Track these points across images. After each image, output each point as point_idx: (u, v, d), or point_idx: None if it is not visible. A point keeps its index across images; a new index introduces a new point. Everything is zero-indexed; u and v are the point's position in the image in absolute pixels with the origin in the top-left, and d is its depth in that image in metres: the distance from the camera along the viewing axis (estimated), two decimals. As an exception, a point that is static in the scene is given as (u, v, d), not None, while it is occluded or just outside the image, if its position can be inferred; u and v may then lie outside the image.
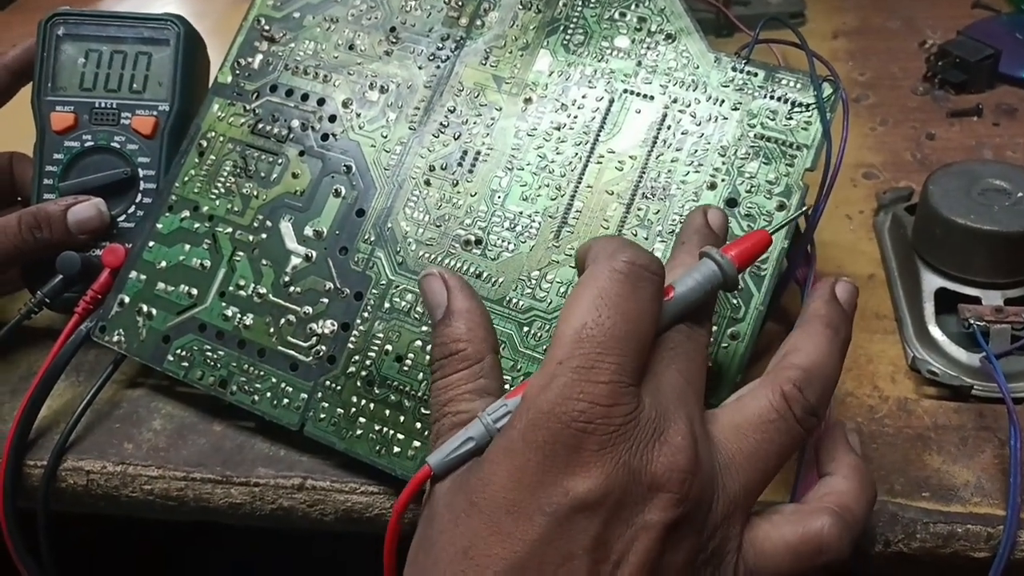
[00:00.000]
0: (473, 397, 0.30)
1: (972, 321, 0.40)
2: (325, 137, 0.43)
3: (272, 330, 0.41)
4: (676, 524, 0.26)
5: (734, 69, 0.40)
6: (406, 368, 0.39)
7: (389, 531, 0.29)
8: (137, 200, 0.46)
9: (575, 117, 0.40)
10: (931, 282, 0.42)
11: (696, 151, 0.39)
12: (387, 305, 0.40)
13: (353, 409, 0.39)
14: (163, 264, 0.43)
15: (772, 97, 0.39)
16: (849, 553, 0.29)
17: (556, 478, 0.26)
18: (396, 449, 0.38)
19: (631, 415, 0.27)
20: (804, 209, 0.36)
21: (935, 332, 0.41)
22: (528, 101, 0.41)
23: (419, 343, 0.39)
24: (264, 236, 0.42)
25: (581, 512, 0.26)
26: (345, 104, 0.43)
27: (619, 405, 0.26)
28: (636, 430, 0.27)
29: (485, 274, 0.39)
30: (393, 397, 0.38)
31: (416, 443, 0.38)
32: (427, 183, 0.41)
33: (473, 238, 0.40)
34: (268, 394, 0.40)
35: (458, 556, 0.26)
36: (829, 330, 0.31)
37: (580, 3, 0.42)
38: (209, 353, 0.41)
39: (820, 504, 0.30)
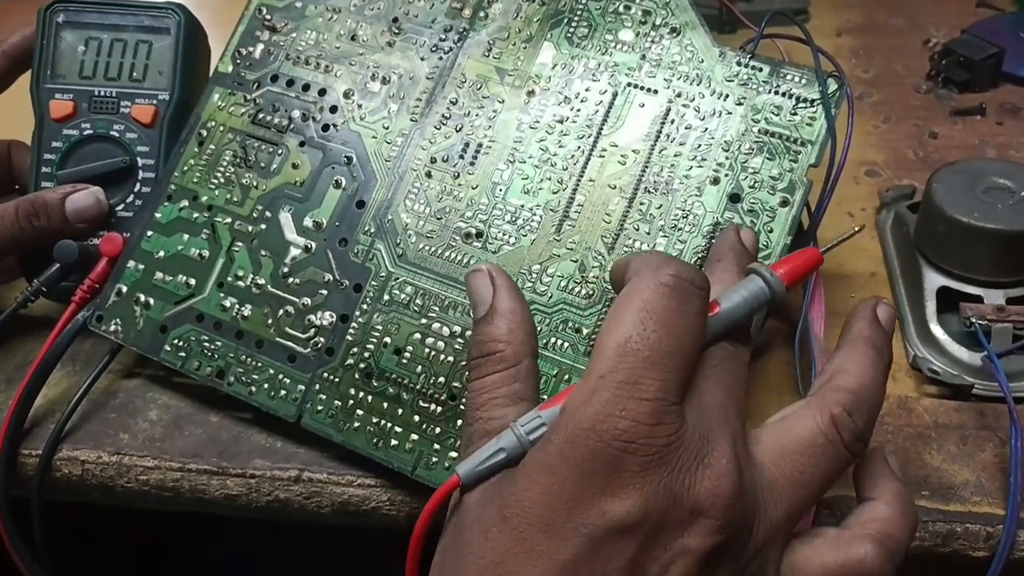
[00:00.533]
0: (507, 403, 0.29)
1: (974, 320, 0.40)
2: (326, 128, 0.43)
3: (270, 321, 0.41)
4: (716, 550, 0.26)
5: (739, 64, 0.39)
6: (405, 361, 0.38)
7: (413, 541, 0.28)
8: (136, 189, 0.46)
9: (578, 110, 0.40)
10: (933, 280, 0.42)
11: (699, 146, 0.39)
12: (386, 297, 0.39)
13: (351, 401, 0.38)
14: (161, 254, 0.43)
15: (777, 92, 0.39)
16: None
17: (593, 498, 0.25)
18: (394, 442, 0.38)
19: (675, 435, 0.26)
20: (858, 229, 0.35)
21: (936, 331, 0.41)
22: (531, 94, 0.41)
23: (418, 336, 0.39)
24: (263, 227, 0.42)
25: (617, 534, 0.25)
26: (346, 95, 0.43)
27: (662, 424, 0.26)
28: (679, 451, 0.26)
29: (485, 267, 0.39)
30: (391, 390, 0.38)
31: (414, 436, 0.37)
32: (428, 175, 0.41)
33: (474, 231, 0.40)
34: (265, 385, 0.40)
35: (487, 571, 0.26)
36: (874, 352, 0.30)
37: (584, -4, 0.42)
38: (206, 343, 0.41)
39: (863, 530, 0.29)
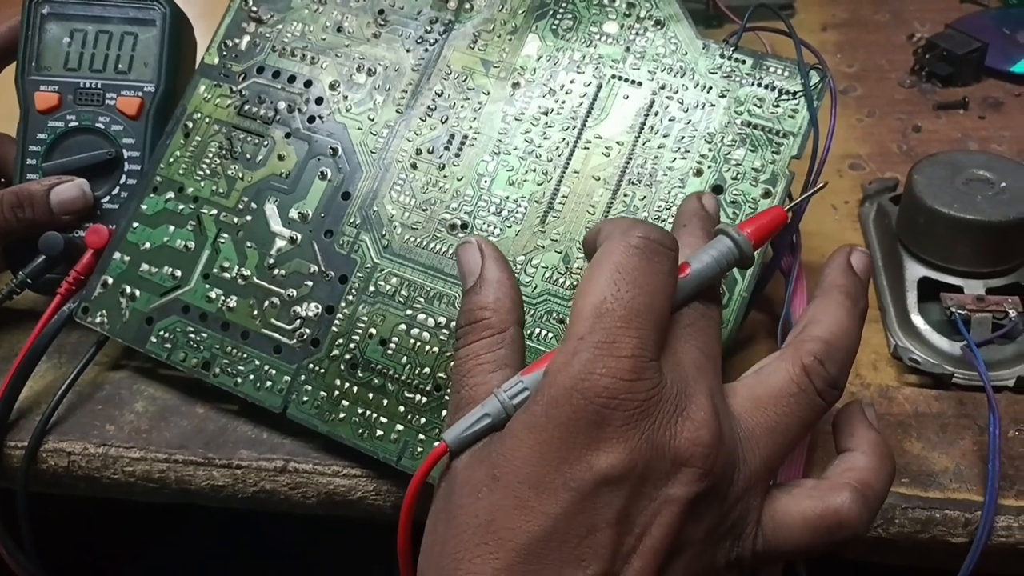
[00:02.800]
0: (492, 368, 0.30)
1: (954, 310, 0.40)
2: (311, 119, 0.43)
3: (256, 312, 0.41)
4: (699, 498, 0.27)
5: (722, 56, 0.40)
6: (390, 352, 0.39)
7: (404, 508, 0.29)
8: (121, 181, 0.46)
9: (563, 102, 0.40)
10: (914, 271, 0.42)
11: (683, 138, 0.39)
12: (372, 288, 0.40)
13: (336, 392, 0.39)
14: (147, 245, 0.43)
15: (759, 85, 0.39)
16: (867, 530, 0.29)
17: (580, 453, 0.26)
18: (379, 432, 0.38)
19: (654, 390, 0.27)
20: (821, 186, 0.35)
21: (917, 321, 0.41)
22: (516, 85, 0.41)
23: (403, 327, 0.39)
24: (249, 218, 0.42)
25: (605, 486, 0.26)
26: (332, 86, 0.43)
27: (642, 380, 0.26)
28: (659, 405, 0.27)
29: (470, 258, 0.39)
30: (377, 381, 0.38)
31: (399, 426, 0.38)
32: (413, 167, 0.41)
33: (459, 222, 0.40)
34: (251, 376, 0.40)
35: (480, 528, 0.26)
36: (848, 300, 0.31)
37: (569, -12, 0.42)
38: (192, 335, 0.41)
39: (841, 479, 0.30)
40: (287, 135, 0.43)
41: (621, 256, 0.28)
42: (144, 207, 0.44)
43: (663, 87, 0.40)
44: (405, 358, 0.38)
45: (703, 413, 0.27)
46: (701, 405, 0.27)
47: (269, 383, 0.40)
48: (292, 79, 0.44)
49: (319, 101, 0.43)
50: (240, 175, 0.43)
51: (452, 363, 0.31)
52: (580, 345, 0.27)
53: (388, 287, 0.39)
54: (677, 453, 0.27)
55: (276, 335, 0.40)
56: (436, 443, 0.28)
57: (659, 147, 0.39)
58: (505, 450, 0.27)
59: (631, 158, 0.39)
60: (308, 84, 0.43)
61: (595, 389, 0.26)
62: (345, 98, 0.43)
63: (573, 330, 0.27)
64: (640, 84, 0.40)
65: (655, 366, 0.27)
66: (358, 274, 0.40)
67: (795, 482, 0.30)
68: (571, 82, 0.41)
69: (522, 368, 0.30)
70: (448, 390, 0.37)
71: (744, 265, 0.31)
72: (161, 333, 0.42)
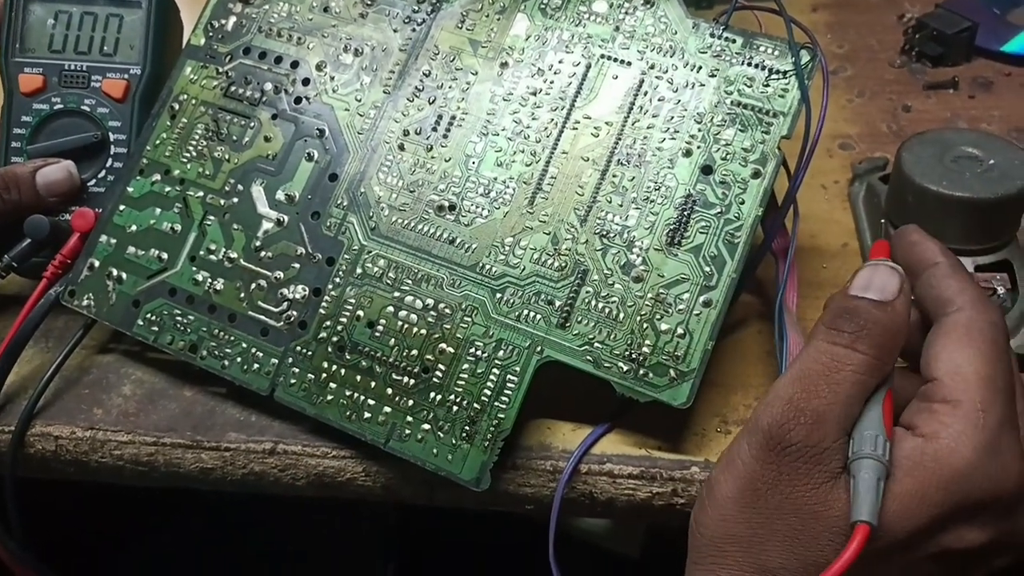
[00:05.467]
0: (861, 396, 0.30)
1: (943, 289, 0.40)
2: (298, 100, 0.43)
3: (243, 295, 0.40)
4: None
5: (712, 35, 0.39)
6: (378, 334, 0.38)
7: None
8: (107, 164, 0.46)
9: (551, 82, 0.40)
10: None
11: (672, 118, 0.39)
12: (359, 271, 0.39)
13: (324, 375, 0.38)
14: (133, 228, 0.43)
15: (750, 64, 0.39)
16: None
17: (952, 526, 0.29)
18: (367, 415, 0.38)
19: None
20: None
21: (907, 300, 0.41)
22: (504, 65, 0.41)
23: (391, 309, 0.39)
24: (235, 200, 0.42)
25: (954, 555, 0.29)
26: (319, 67, 0.43)
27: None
28: None
29: (458, 240, 0.39)
30: (364, 363, 0.38)
31: (387, 408, 0.37)
32: (401, 148, 0.41)
33: (447, 204, 0.40)
34: (238, 359, 0.40)
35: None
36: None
37: (557, -33, 0.42)
38: (179, 318, 0.41)
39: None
40: (273, 116, 0.43)
41: (995, 334, 0.30)
42: (130, 190, 0.43)
43: (652, 67, 0.39)
44: (393, 340, 0.38)
45: None
46: None
47: (256, 366, 0.39)
48: (279, 60, 0.43)
49: (306, 82, 0.43)
50: (227, 157, 0.43)
51: (811, 353, 0.31)
52: (983, 417, 0.28)
53: (376, 269, 0.39)
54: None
55: (263, 318, 0.40)
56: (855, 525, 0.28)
57: (648, 127, 0.39)
58: (885, 511, 0.28)
59: (620, 138, 0.39)
60: (295, 65, 0.43)
61: (999, 471, 0.28)
62: (332, 79, 0.42)
63: (965, 397, 0.29)
64: (629, 64, 0.40)
65: None
66: (345, 256, 0.40)
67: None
68: (560, 62, 0.40)
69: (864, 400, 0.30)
70: (436, 372, 0.37)
71: None
72: (148, 316, 0.41)
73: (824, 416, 0.29)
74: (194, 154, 0.43)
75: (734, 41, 0.39)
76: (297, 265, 0.40)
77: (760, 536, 0.29)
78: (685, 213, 0.37)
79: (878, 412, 0.30)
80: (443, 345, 0.38)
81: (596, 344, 0.37)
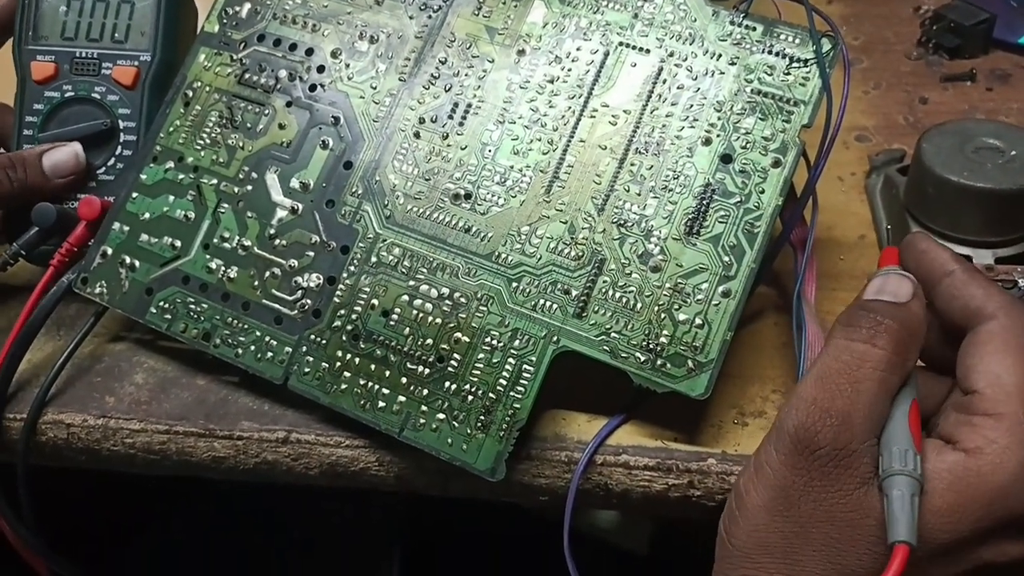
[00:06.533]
0: (886, 395, 0.30)
1: (963, 281, 0.40)
2: (313, 88, 0.42)
3: (256, 283, 0.40)
4: None
5: (732, 23, 0.39)
6: (392, 323, 0.38)
7: None
8: (117, 152, 0.45)
9: (569, 70, 0.40)
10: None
11: (691, 106, 0.38)
12: (374, 259, 0.39)
13: (338, 363, 0.38)
14: (147, 215, 0.42)
15: (770, 52, 0.38)
16: None
17: (995, 540, 0.28)
18: (381, 404, 0.37)
19: None
20: None
21: (926, 292, 0.41)
22: (521, 53, 0.40)
23: (406, 298, 0.38)
24: (249, 188, 0.42)
25: (992, 568, 0.29)
26: (334, 54, 0.42)
27: None
28: None
29: (474, 229, 0.39)
30: (379, 352, 0.38)
31: (401, 398, 0.37)
32: (416, 136, 0.40)
33: (463, 192, 0.39)
34: (252, 347, 0.39)
35: None
36: None
37: (574, -46, 0.41)
38: (192, 306, 0.41)
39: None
40: (288, 104, 0.42)
41: None
42: (144, 177, 0.43)
43: (671, 54, 0.39)
44: (407, 329, 0.38)
45: None
46: None
47: (270, 354, 0.39)
48: (293, 47, 0.43)
49: (320, 69, 0.42)
50: (241, 144, 0.42)
51: (831, 352, 0.30)
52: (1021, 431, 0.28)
53: (390, 258, 0.39)
54: None
55: (277, 306, 0.40)
56: (893, 545, 0.27)
57: (667, 116, 0.38)
58: (922, 527, 0.28)
59: (638, 127, 0.38)
60: (309, 52, 0.43)
61: None
62: (347, 66, 0.42)
63: (1006, 409, 0.28)
64: (648, 51, 0.39)
65: None
66: (360, 244, 0.39)
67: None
68: (577, 49, 0.40)
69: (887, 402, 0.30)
70: (451, 362, 0.37)
71: None
72: (161, 304, 0.41)
73: (850, 416, 0.29)
74: (208, 141, 0.43)
75: (754, 29, 0.39)
76: (311, 253, 0.40)
77: (795, 546, 0.29)
78: (704, 202, 0.37)
79: (904, 423, 0.29)
80: (458, 334, 0.37)
81: (613, 334, 0.36)
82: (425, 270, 0.38)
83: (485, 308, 0.37)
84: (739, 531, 0.30)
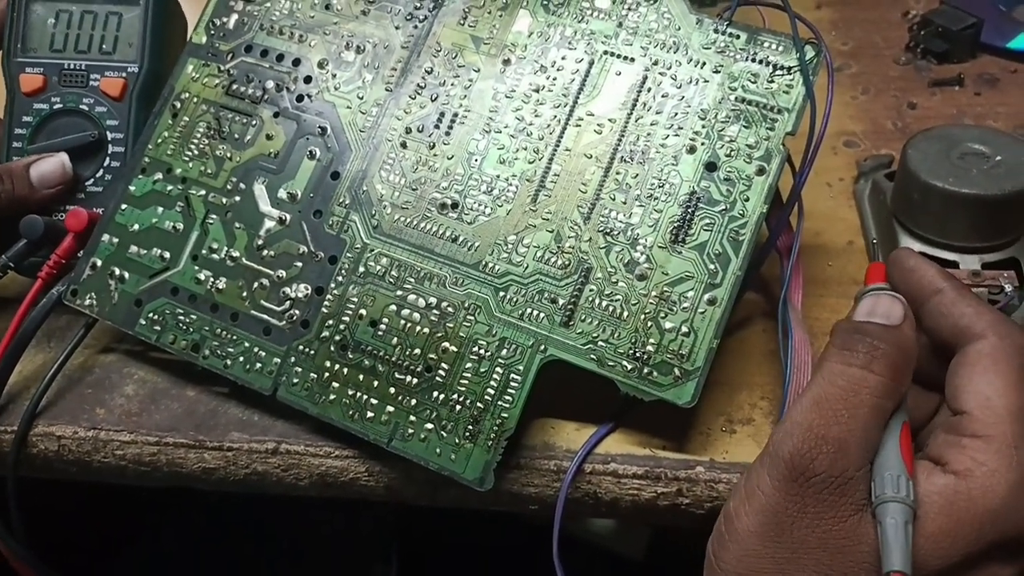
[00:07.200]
0: (879, 421, 0.30)
1: (949, 286, 0.40)
2: (300, 98, 0.42)
3: (245, 294, 0.40)
4: None
5: (716, 31, 0.39)
6: (380, 333, 0.38)
7: None
8: (105, 164, 0.45)
9: (554, 79, 0.40)
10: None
11: (676, 114, 0.38)
12: (362, 269, 0.39)
13: (326, 374, 0.38)
14: (135, 227, 0.43)
15: (754, 60, 0.38)
16: None
17: (989, 565, 0.28)
18: (369, 414, 0.37)
19: None
20: None
21: (913, 298, 0.41)
22: (507, 62, 0.41)
23: (394, 307, 0.38)
24: (237, 199, 0.42)
25: None
26: (321, 65, 0.43)
27: None
28: None
29: (461, 238, 0.39)
30: (367, 362, 0.38)
31: (390, 408, 0.37)
32: (403, 145, 0.41)
33: (449, 201, 0.39)
34: (241, 358, 0.39)
35: None
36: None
37: (560, -37, 0.41)
38: (181, 317, 0.41)
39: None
40: (275, 114, 0.42)
41: (1020, 357, 0.29)
42: (132, 188, 0.43)
43: (656, 63, 0.39)
44: (395, 339, 0.38)
45: None
46: None
47: (259, 365, 0.39)
48: (280, 58, 0.43)
49: (308, 80, 0.43)
50: (228, 155, 0.42)
51: (826, 376, 0.30)
52: (1016, 456, 0.28)
53: (378, 267, 0.39)
54: None
55: (266, 316, 0.40)
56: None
57: (652, 124, 0.39)
58: (920, 552, 0.28)
59: (623, 135, 0.39)
60: (296, 63, 0.43)
61: None
62: (334, 76, 0.42)
63: (996, 431, 0.28)
64: (633, 60, 0.39)
65: None
66: (348, 255, 0.40)
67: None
68: (562, 58, 0.40)
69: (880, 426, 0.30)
70: (439, 371, 0.37)
71: None
72: (150, 315, 0.41)
73: (847, 443, 0.28)
74: (196, 152, 0.43)
75: (738, 37, 0.39)
76: (299, 264, 0.40)
77: (787, 572, 0.28)
78: (689, 210, 0.37)
79: (896, 447, 0.29)
80: (446, 344, 0.37)
81: (600, 343, 0.36)
82: (413, 280, 0.39)
83: (472, 317, 0.37)
84: (729, 556, 0.29)
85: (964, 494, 0.28)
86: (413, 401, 0.37)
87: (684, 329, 0.36)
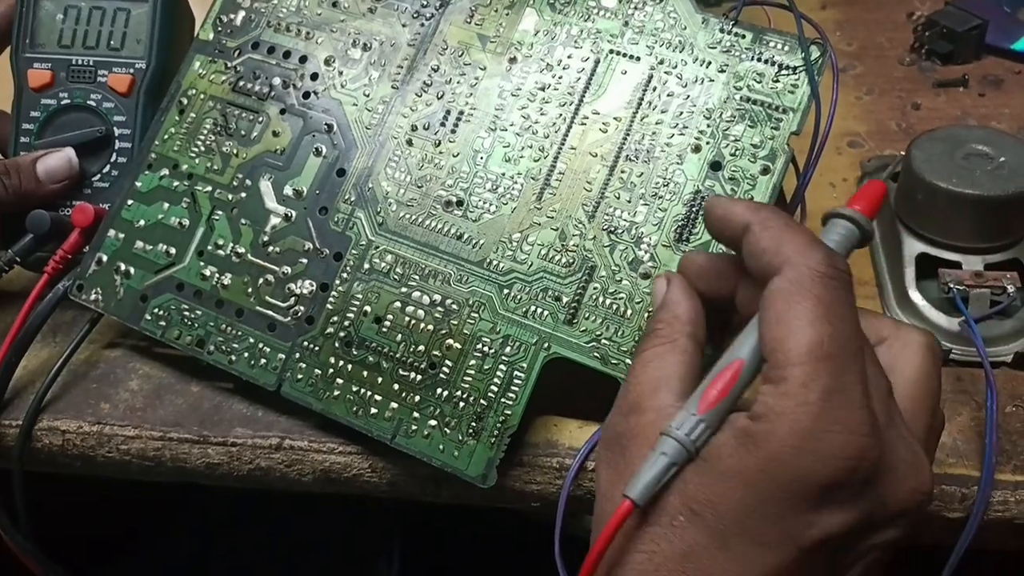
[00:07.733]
0: (658, 375, 0.30)
1: (952, 286, 0.40)
2: (307, 95, 0.42)
3: (250, 290, 0.40)
4: (905, 535, 0.27)
5: (722, 31, 0.39)
6: (385, 329, 0.38)
7: (587, 568, 0.27)
8: (112, 159, 0.46)
9: (560, 77, 0.40)
10: (912, 247, 0.42)
11: (681, 113, 0.39)
12: (367, 266, 0.39)
13: (331, 370, 0.38)
14: (141, 223, 0.43)
15: (759, 59, 0.39)
16: None
17: (803, 512, 0.26)
18: (373, 410, 0.38)
19: (885, 445, 0.26)
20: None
21: (915, 297, 0.41)
22: (513, 61, 0.41)
23: (398, 304, 0.38)
24: (243, 195, 0.42)
25: (828, 542, 0.26)
26: (327, 62, 0.43)
27: (875, 436, 0.26)
28: (889, 457, 0.26)
29: (466, 236, 0.39)
30: (371, 358, 0.38)
31: (393, 404, 0.37)
32: (409, 143, 0.41)
33: (455, 199, 0.39)
34: (245, 354, 0.40)
35: (675, 558, 0.26)
36: None
37: (566, -38, 0.41)
38: (187, 312, 0.41)
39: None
40: (282, 111, 0.43)
41: (821, 288, 0.27)
42: (139, 184, 0.43)
43: (662, 62, 0.39)
44: (400, 336, 0.38)
45: (920, 456, 0.27)
46: (913, 446, 0.27)
47: (263, 361, 0.39)
48: (287, 55, 0.43)
49: (314, 77, 0.43)
50: (235, 152, 0.43)
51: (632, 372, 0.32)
52: (804, 394, 0.25)
53: (383, 264, 0.39)
54: (900, 504, 0.27)
55: (270, 312, 0.40)
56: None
57: (657, 123, 0.39)
58: (708, 491, 0.27)
59: (629, 134, 0.39)
60: (303, 60, 0.43)
61: (831, 449, 0.25)
62: (340, 74, 0.42)
63: (790, 374, 0.26)
64: (638, 59, 0.40)
65: (875, 413, 0.26)
66: (353, 251, 0.40)
67: None
68: (568, 57, 0.40)
69: (691, 384, 0.29)
70: (443, 368, 0.37)
71: (865, 243, 0.30)
72: (155, 311, 0.41)
73: (638, 406, 0.30)
74: (202, 149, 0.43)
75: (744, 36, 0.39)
76: (305, 260, 0.40)
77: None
78: (694, 209, 0.37)
79: (702, 389, 0.28)
80: (450, 341, 0.38)
81: (603, 340, 0.36)
82: (417, 277, 0.39)
83: (476, 315, 0.38)
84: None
85: (753, 438, 0.26)
86: (417, 398, 0.37)
87: (688, 327, 0.36)
